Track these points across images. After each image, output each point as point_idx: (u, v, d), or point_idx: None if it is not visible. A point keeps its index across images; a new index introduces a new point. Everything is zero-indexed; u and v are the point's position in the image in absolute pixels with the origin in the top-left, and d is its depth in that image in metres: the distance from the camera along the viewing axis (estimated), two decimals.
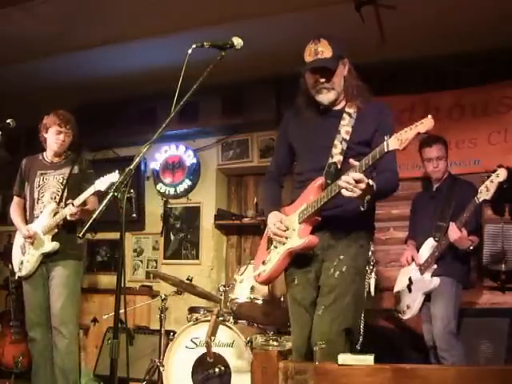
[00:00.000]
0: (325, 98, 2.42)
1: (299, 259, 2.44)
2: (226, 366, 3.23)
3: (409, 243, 3.67)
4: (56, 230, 3.45)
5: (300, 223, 2.38)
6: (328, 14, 3.51)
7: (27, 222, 3.59)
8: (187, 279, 3.69)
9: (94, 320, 5.05)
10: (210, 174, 5.09)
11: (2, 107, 4.10)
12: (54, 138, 3.57)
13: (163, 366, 3.40)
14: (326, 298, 2.34)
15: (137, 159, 2.08)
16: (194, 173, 5.05)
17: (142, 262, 5.27)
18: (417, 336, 4.03)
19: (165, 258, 5.09)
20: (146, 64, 4.36)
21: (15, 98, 4.75)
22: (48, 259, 3.47)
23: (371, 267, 2.40)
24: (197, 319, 3.46)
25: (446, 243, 3.27)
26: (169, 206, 5.13)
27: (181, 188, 5.06)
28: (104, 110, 5.05)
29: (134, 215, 5.06)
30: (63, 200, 3.49)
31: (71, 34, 3.88)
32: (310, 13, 3.54)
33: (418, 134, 2.01)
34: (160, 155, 5.13)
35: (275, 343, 3.18)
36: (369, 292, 2.39)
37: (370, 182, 2.14)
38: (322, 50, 2.34)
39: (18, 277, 3.56)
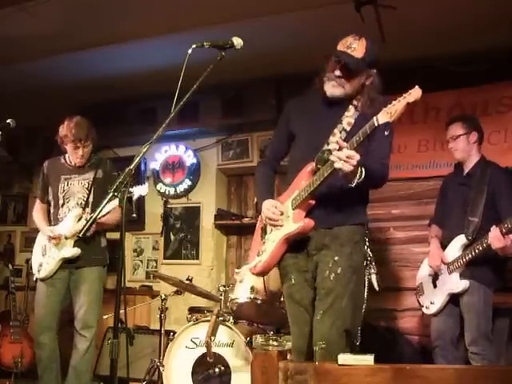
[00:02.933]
0: (330, 90, 2.39)
1: (296, 260, 2.44)
2: (226, 366, 3.24)
3: (432, 229, 3.46)
4: (80, 235, 3.38)
5: (294, 209, 2.38)
6: (328, 13, 3.51)
7: (51, 226, 3.57)
8: (187, 279, 3.69)
9: None
10: (210, 174, 5.09)
11: (2, 107, 4.10)
12: (73, 153, 3.52)
13: (163, 365, 3.41)
14: (323, 301, 2.33)
15: (137, 159, 2.08)
16: (194, 173, 5.04)
17: (142, 262, 5.27)
18: (416, 336, 4.04)
19: (165, 258, 5.08)
20: (146, 64, 4.36)
21: (15, 98, 4.75)
22: (72, 265, 3.44)
23: (369, 262, 2.39)
24: (197, 319, 3.45)
25: (485, 246, 2.96)
26: (169, 206, 5.12)
27: (181, 188, 5.06)
28: (104, 109, 5.05)
29: (134, 215, 5.06)
30: (89, 205, 3.47)
31: (71, 34, 3.88)
32: (310, 13, 3.53)
33: (408, 104, 2.02)
34: (160, 155, 5.13)
35: (275, 343, 3.18)
36: (373, 288, 2.38)
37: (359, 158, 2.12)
38: (356, 48, 2.30)
39: (36, 278, 3.52)
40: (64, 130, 3.48)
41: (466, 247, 3.12)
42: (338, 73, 2.34)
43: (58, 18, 3.70)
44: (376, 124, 2.08)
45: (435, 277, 3.33)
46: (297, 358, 2.44)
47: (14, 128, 3.12)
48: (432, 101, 4.17)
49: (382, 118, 2.06)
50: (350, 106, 2.39)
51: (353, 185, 2.20)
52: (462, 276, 3.12)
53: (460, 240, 3.15)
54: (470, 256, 3.05)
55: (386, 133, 2.29)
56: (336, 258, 2.33)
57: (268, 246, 2.48)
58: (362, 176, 2.19)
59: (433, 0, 3.40)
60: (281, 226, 2.42)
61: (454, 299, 3.20)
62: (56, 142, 3.60)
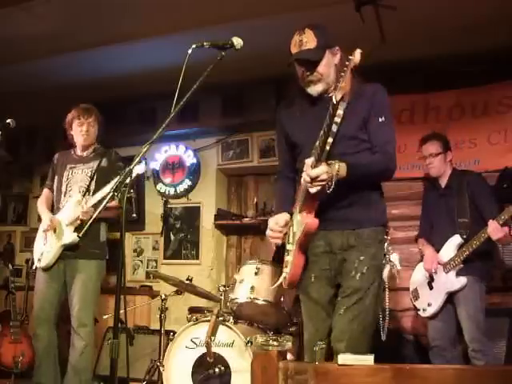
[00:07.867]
0: (313, 90, 2.38)
1: (317, 258, 2.42)
2: (226, 366, 3.23)
3: (421, 242, 3.59)
4: (79, 222, 3.39)
5: (300, 213, 2.35)
6: (328, 14, 3.50)
7: (53, 214, 3.57)
8: (187, 279, 3.69)
9: (94, 320, 5.05)
10: (210, 173, 5.09)
11: (2, 107, 4.10)
12: (78, 130, 3.59)
13: (163, 365, 3.40)
14: (348, 299, 2.33)
15: (137, 159, 2.09)
16: (194, 173, 5.05)
17: (142, 262, 5.27)
18: (417, 336, 4.04)
19: (165, 258, 5.09)
20: (146, 64, 4.36)
21: (15, 98, 4.75)
22: (68, 256, 3.43)
23: (387, 260, 2.39)
24: (197, 319, 3.45)
25: (482, 240, 3.13)
26: (169, 205, 5.13)
27: (181, 188, 5.06)
28: (104, 109, 5.04)
29: (134, 215, 5.07)
30: (90, 193, 3.47)
31: (71, 34, 3.89)
32: (310, 13, 3.53)
33: (352, 70, 1.99)
34: (160, 155, 5.13)
35: (275, 343, 3.17)
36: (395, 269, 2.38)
37: (328, 168, 2.08)
38: (307, 41, 2.31)
39: (36, 267, 3.52)
40: (71, 112, 3.64)
41: (461, 246, 3.25)
42: (307, 72, 2.36)
43: (58, 18, 3.70)
44: (334, 101, 2.03)
45: (430, 279, 3.41)
46: (310, 357, 2.43)
47: (14, 128, 3.13)
48: (432, 101, 4.18)
49: (338, 95, 2.01)
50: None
51: (328, 191, 2.15)
52: (458, 273, 3.23)
53: (455, 240, 3.29)
54: (467, 252, 3.19)
55: (380, 119, 2.30)
56: (361, 258, 2.33)
57: (290, 256, 2.45)
58: (333, 185, 2.12)
59: (433, 0, 3.41)
60: (293, 233, 2.39)
61: (449, 298, 3.28)
62: (60, 140, 3.63)
